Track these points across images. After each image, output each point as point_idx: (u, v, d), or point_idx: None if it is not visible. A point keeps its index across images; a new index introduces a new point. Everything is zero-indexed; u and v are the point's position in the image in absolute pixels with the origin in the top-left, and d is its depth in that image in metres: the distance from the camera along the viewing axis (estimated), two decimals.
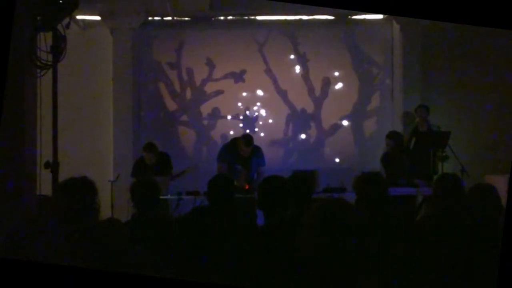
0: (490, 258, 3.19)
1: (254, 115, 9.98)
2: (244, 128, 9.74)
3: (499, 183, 5.62)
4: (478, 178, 7.28)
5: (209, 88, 9.99)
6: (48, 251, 2.99)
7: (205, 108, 10.02)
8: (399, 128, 9.07)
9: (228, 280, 3.23)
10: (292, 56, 9.98)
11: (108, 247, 3.11)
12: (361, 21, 9.87)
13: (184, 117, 10.06)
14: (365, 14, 9.66)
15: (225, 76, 9.97)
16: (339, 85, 10.01)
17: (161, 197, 5.79)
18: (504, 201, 3.84)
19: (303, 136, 10.02)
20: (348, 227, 2.66)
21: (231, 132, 9.71)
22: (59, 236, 3.03)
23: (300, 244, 2.72)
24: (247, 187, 7.43)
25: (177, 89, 10.00)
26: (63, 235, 3.03)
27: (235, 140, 7.89)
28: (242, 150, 7.59)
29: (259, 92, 10.02)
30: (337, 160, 9.91)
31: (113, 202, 7.62)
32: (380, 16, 9.76)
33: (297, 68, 10.00)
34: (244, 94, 10.03)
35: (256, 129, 9.91)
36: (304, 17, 9.86)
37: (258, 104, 10.02)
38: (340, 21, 9.87)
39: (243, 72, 9.98)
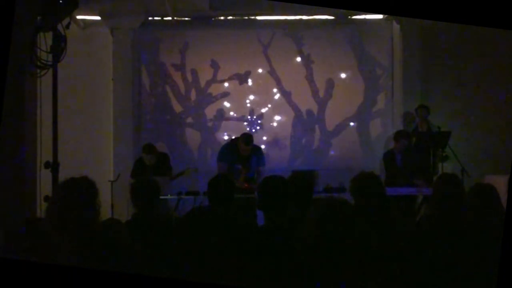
0: (490, 258, 3.19)
1: (259, 117, 9.98)
2: (249, 129, 9.73)
3: (499, 183, 5.60)
4: (478, 178, 7.27)
5: (214, 89, 9.99)
6: (48, 251, 2.99)
7: (210, 110, 10.01)
8: (399, 128, 9.06)
9: (228, 280, 3.23)
10: (296, 57, 9.98)
11: (108, 247, 3.11)
12: (361, 21, 9.87)
13: (189, 119, 10.04)
14: (365, 14, 9.66)
15: (230, 78, 9.97)
16: (343, 86, 10.01)
17: (161, 197, 5.78)
18: (504, 201, 3.84)
19: (307, 137, 10.02)
20: (348, 227, 2.66)
21: (236, 134, 9.69)
22: (59, 236, 3.03)
23: (300, 244, 2.72)
24: (246, 185, 7.43)
25: (182, 90, 10.00)
26: (63, 235, 3.03)
27: (235, 140, 7.90)
28: (242, 149, 7.60)
29: (264, 94, 10.02)
30: (341, 161, 9.89)
31: (113, 202, 7.62)
32: (380, 16, 9.77)
33: (301, 69, 9.99)
34: (249, 95, 10.02)
35: (261, 131, 9.91)
36: (304, 17, 9.86)
37: (263, 105, 10.02)
38: (341, 21, 9.88)
39: (248, 73, 9.98)
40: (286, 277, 3.05)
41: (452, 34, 9.10)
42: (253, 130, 9.73)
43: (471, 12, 3.24)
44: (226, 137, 9.73)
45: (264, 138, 9.90)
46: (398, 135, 7.98)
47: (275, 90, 10.01)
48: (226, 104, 10.01)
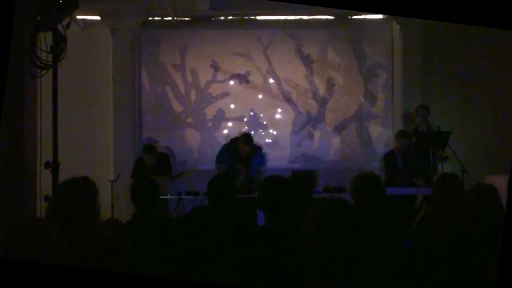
0: (490, 258, 3.19)
1: (259, 117, 9.97)
2: (249, 129, 9.73)
3: (499, 183, 5.61)
4: (478, 178, 7.27)
5: (214, 89, 9.98)
6: (48, 251, 2.99)
7: (210, 110, 10.00)
8: (399, 128, 9.07)
9: (228, 280, 3.23)
10: (296, 57, 9.97)
11: (108, 247, 3.11)
12: (361, 21, 9.87)
13: (189, 119, 10.04)
14: (365, 14, 9.66)
15: (230, 78, 9.97)
16: (343, 86, 10.00)
17: (161, 197, 5.79)
18: (504, 201, 3.84)
19: (307, 137, 10.01)
20: (348, 227, 2.66)
21: (236, 134, 9.67)
22: (59, 236, 3.03)
23: (300, 244, 2.72)
24: (246, 185, 7.43)
25: (182, 90, 9.99)
26: (63, 235, 3.03)
27: (234, 140, 7.89)
28: (241, 149, 7.60)
29: (263, 94, 10.02)
30: (341, 161, 9.89)
31: (113, 202, 7.62)
32: (380, 16, 9.77)
33: (301, 69, 9.98)
34: (249, 95, 10.01)
35: (261, 131, 9.91)
36: (304, 17, 9.86)
37: (262, 105, 10.01)
38: (341, 21, 9.87)
39: (248, 73, 9.98)
40: (286, 277, 3.04)
41: (452, 34, 9.10)
42: (253, 130, 9.72)
43: (471, 12, 3.24)
44: (226, 137, 9.73)
45: (264, 138, 9.90)
46: (399, 135, 7.99)
47: (275, 90, 10.01)
48: (226, 104, 10.00)
